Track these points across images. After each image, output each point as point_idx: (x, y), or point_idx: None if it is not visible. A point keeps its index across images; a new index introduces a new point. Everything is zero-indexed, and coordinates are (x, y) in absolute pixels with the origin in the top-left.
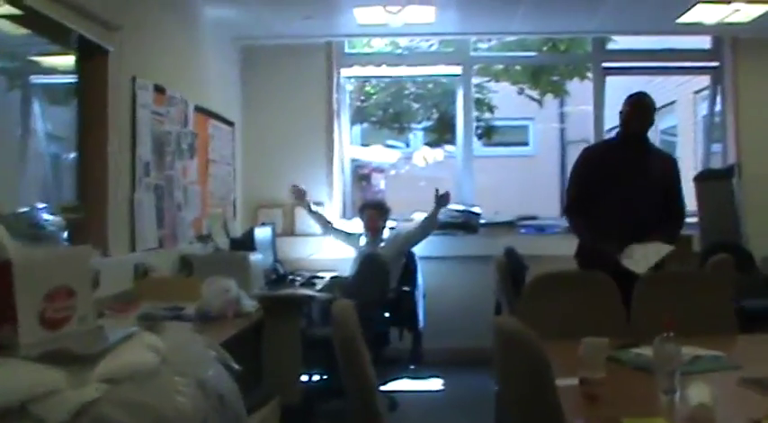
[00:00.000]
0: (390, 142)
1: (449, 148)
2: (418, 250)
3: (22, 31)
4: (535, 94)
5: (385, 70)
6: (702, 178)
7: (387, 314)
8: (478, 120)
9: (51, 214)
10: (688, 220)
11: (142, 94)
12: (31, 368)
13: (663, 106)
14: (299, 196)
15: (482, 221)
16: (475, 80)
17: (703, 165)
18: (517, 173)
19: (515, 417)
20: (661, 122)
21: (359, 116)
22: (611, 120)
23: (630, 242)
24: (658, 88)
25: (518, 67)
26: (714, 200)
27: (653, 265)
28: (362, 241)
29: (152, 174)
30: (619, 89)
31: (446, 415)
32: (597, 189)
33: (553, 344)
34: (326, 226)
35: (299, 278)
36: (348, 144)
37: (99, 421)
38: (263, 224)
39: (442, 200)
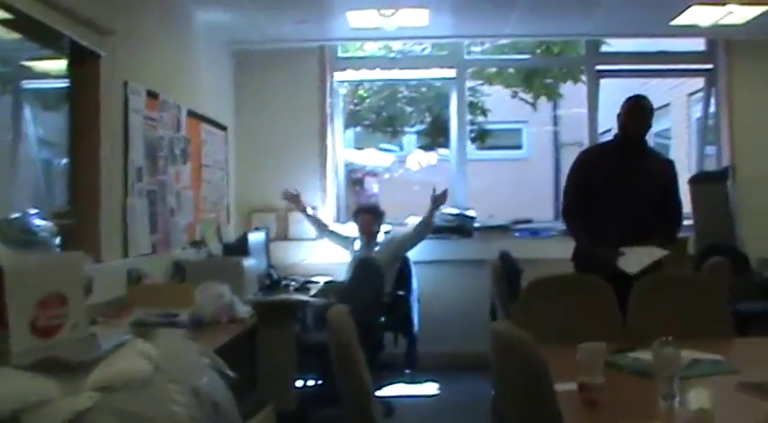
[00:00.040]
0: (384, 146)
1: (442, 151)
2: (413, 254)
3: (14, 35)
4: (528, 97)
5: (378, 74)
6: (697, 181)
7: (381, 319)
8: (472, 123)
9: (43, 220)
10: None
11: (134, 99)
12: (23, 377)
13: (657, 109)
14: (293, 200)
15: (476, 225)
16: (468, 83)
17: (697, 167)
18: (511, 176)
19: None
20: (655, 125)
21: (352, 120)
22: (605, 122)
23: (629, 244)
24: (652, 91)
25: (511, 70)
26: (708, 202)
27: (645, 266)
28: (357, 245)
29: (145, 179)
30: (613, 92)
31: (442, 420)
32: (595, 191)
33: (550, 348)
34: (322, 228)
35: (293, 283)
36: (341, 148)
37: None
38: (257, 229)
39: (438, 199)
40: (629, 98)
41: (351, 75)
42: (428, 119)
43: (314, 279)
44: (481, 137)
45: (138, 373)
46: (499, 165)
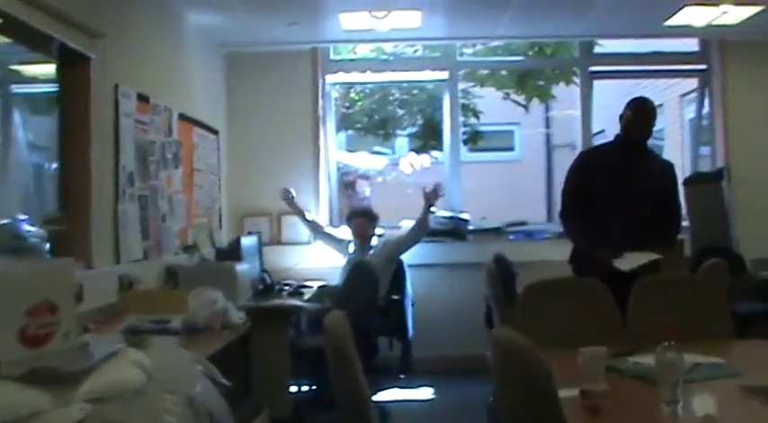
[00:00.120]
0: (377, 149)
1: (435, 153)
2: (407, 258)
3: (2, 39)
4: (521, 99)
5: (371, 76)
6: (692, 182)
7: (376, 323)
8: (464, 125)
9: (33, 226)
10: None
11: (125, 103)
12: (13, 388)
13: None
14: (290, 203)
15: (470, 228)
16: (460, 85)
17: (692, 168)
18: (503, 178)
19: None
20: None
21: (344, 123)
22: (597, 123)
23: (628, 245)
24: (645, 92)
25: (504, 72)
26: (703, 203)
27: (640, 264)
28: (351, 249)
29: (136, 184)
30: (605, 93)
31: None
32: (595, 192)
33: (549, 352)
34: (317, 231)
35: (286, 288)
36: (334, 151)
37: None
38: (250, 233)
39: (431, 196)
40: (635, 100)
41: (343, 77)
42: (420, 121)
43: (307, 283)
44: (473, 139)
45: (130, 383)
46: (491, 167)
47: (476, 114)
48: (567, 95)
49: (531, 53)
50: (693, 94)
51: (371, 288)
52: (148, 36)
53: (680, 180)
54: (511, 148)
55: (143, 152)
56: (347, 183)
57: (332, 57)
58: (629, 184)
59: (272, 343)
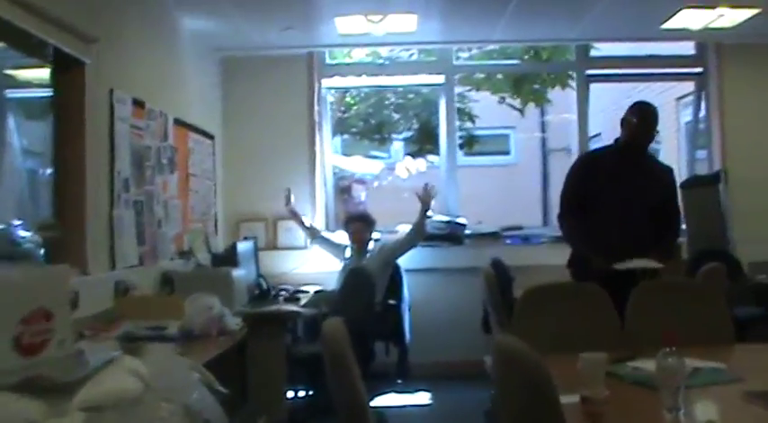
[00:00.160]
0: (373, 153)
1: (431, 158)
2: (404, 263)
3: None
4: (516, 103)
5: (366, 80)
6: (689, 185)
7: (373, 328)
8: (460, 129)
9: (28, 232)
10: None
11: (120, 108)
12: (7, 398)
13: None
14: (292, 211)
15: (467, 232)
16: (456, 89)
17: (688, 171)
18: (498, 182)
19: None
20: None
21: (339, 127)
22: (593, 127)
23: (627, 249)
24: (640, 95)
25: (500, 76)
26: (701, 206)
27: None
28: (348, 253)
29: (131, 189)
30: (602, 96)
31: None
32: (595, 194)
33: (548, 358)
34: (315, 235)
35: (283, 293)
36: (330, 156)
37: None
38: (245, 238)
39: (425, 198)
40: (638, 106)
41: (338, 81)
42: (416, 125)
43: (304, 288)
44: (469, 143)
45: (127, 391)
46: (487, 171)
47: (471, 118)
48: (562, 99)
49: (526, 57)
50: (690, 98)
51: (368, 293)
52: (143, 41)
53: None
54: (507, 153)
55: (138, 157)
56: (343, 187)
57: (327, 61)
58: (629, 189)
59: (269, 349)
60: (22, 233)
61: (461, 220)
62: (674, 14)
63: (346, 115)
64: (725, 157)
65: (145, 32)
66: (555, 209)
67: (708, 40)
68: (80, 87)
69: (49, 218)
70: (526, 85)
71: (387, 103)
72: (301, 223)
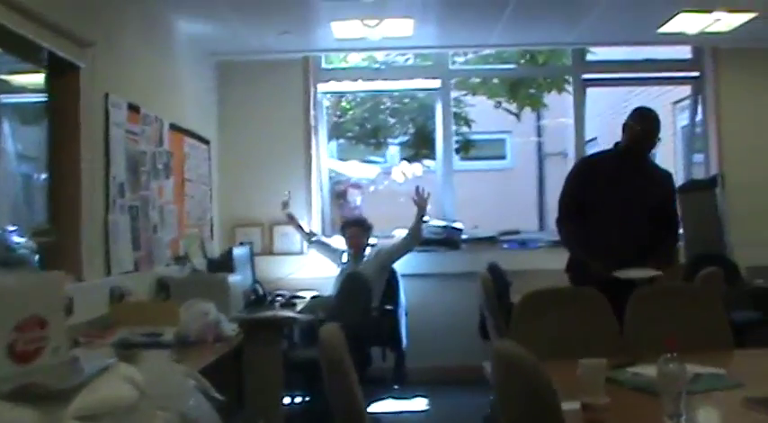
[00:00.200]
0: (369, 158)
1: (427, 162)
2: (400, 267)
3: None
4: (513, 107)
5: (362, 85)
6: (686, 189)
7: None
8: (456, 134)
9: (22, 237)
10: None
11: (115, 112)
12: (1, 407)
13: None
14: (289, 216)
15: (463, 237)
16: (452, 94)
17: (685, 175)
18: (494, 186)
19: None
20: None
21: (335, 132)
22: (591, 131)
23: (626, 253)
24: (636, 100)
25: (496, 81)
26: (698, 211)
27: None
28: (344, 258)
29: (127, 194)
30: (598, 100)
31: None
32: (594, 198)
33: (547, 364)
34: (311, 239)
35: (279, 298)
36: (326, 160)
37: None
38: (241, 244)
39: (420, 202)
40: (642, 112)
41: (334, 86)
42: (412, 130)
43: (300, 293)
44: (465, 147)
45: (122, 399)
46: (483, 175)
47: (467, 123)
48: (558, 104)
49: (522, 61)
50: (686, 102)
51: (365, 299)
52: (139, 45)
53: None
54: (503, 157)
55: (134, 162)
56: (339, 192)
57: (323, 65)
58: (628, 193)
59: (265, 355)
60: (17, 239)
61: (458, 225)
62: (671, 18)
63: (342, 120)
64: (722, 162)
65: (140, 37)
66: (551, 213)
67: (704, 45)
68: (75, 92)
69: (44, 223)
70: (522, 89)
71: (383, 107)
72: (298, 227)
